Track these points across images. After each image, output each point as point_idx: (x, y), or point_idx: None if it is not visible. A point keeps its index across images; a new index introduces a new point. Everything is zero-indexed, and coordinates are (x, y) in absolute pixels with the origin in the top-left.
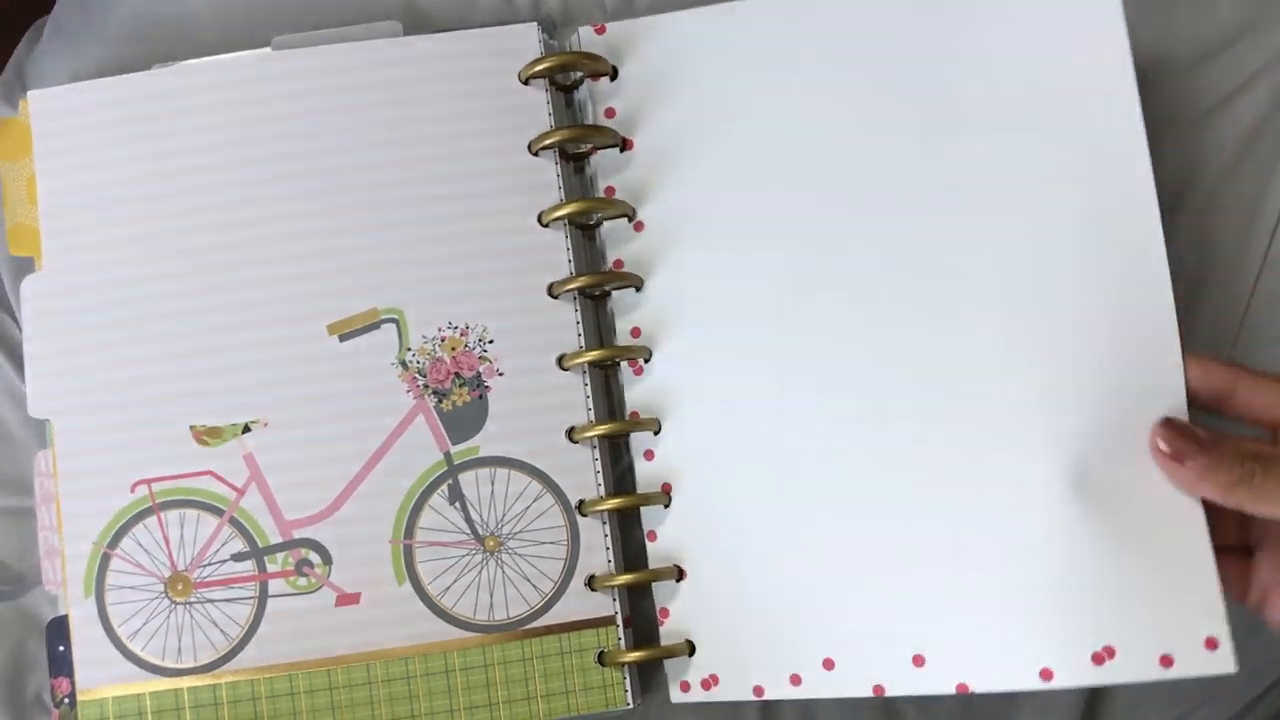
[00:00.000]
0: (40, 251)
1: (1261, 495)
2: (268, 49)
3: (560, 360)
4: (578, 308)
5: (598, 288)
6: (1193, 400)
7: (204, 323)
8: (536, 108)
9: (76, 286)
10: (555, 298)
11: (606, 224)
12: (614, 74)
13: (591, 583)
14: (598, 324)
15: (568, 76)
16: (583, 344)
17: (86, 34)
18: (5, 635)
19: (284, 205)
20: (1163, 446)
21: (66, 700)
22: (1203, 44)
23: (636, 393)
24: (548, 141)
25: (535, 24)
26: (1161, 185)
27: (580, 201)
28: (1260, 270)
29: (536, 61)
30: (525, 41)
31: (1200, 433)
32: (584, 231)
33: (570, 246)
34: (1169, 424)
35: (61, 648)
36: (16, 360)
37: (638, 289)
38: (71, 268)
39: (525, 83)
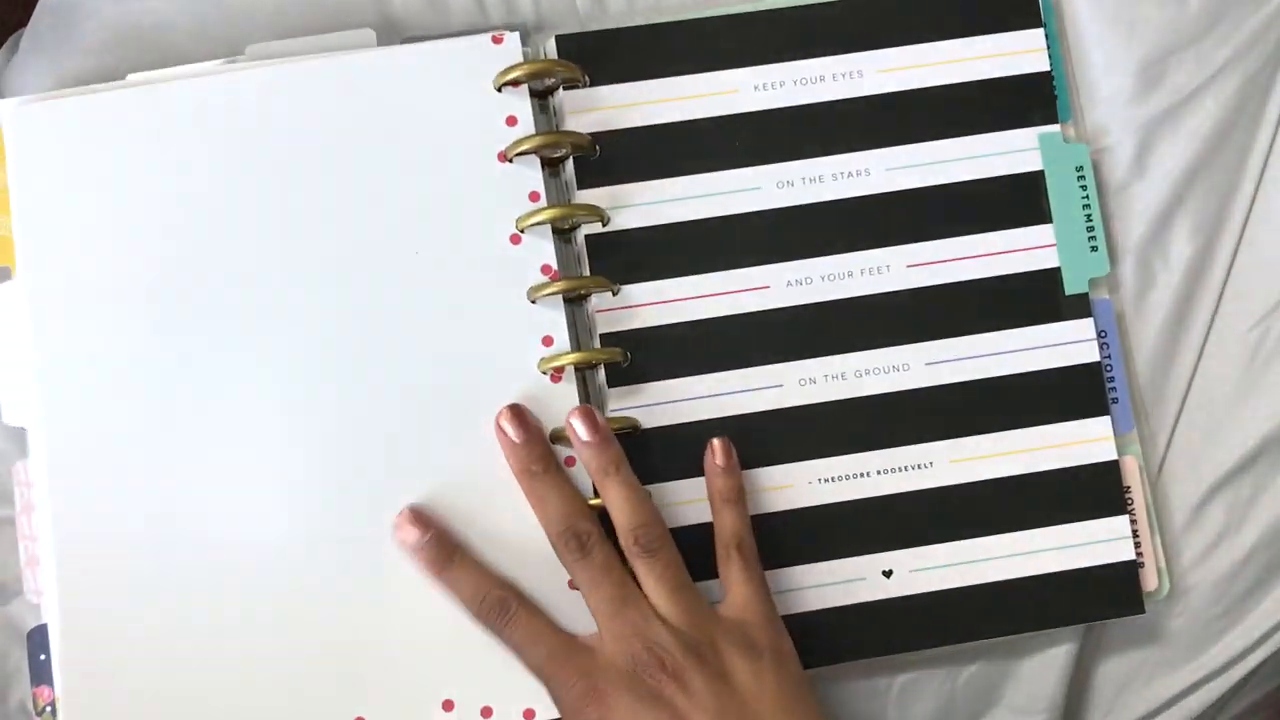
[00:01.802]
0: (14, 260)
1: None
2: (242, 56)
3: None
4: None
5: None
6: None
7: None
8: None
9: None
10: None
11: None
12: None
13: None
14: None
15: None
16: None
17: (63, 44)
18: None
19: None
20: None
21: (49, 708)
22: (1175, 36)
23: None
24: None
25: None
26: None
27: None
28: (1232, 261)
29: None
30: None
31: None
32: None
33: None
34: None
35: (43, 656)
36: None
37: None
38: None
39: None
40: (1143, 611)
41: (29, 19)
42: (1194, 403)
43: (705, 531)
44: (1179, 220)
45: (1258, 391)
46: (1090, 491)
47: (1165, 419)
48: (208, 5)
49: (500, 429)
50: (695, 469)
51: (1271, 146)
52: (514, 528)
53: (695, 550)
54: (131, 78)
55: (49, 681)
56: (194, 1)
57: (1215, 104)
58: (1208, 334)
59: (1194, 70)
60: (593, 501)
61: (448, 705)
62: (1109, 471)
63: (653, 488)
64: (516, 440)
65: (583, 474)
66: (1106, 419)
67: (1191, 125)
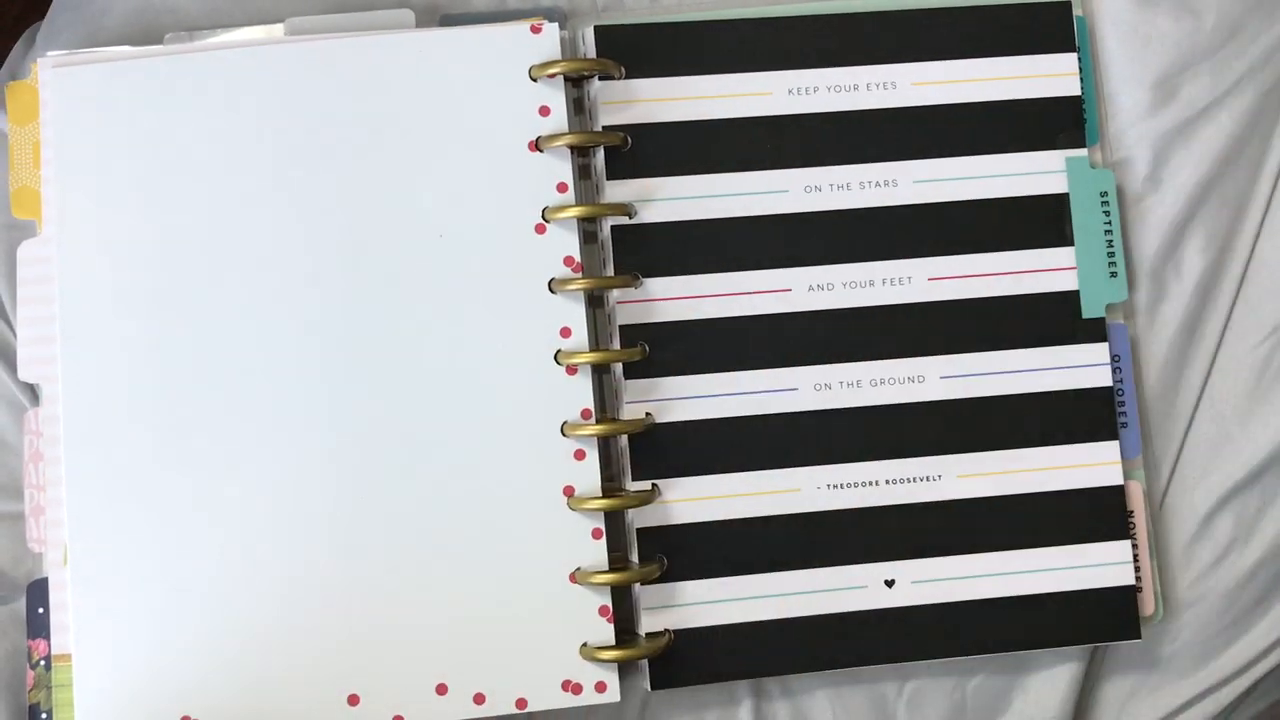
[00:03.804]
0: (41, 217)
1: None
2: (279, 28)
3: None
4: None
5: None
6: None
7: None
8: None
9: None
10: None
11: None
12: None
13: None
14: None
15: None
16: None
17: (82, 36)
18: (2, 639)
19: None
20: None
21: (43, 662)
22: (1190, 50)
23: None
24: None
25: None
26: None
27: None
28: (1244, 273)
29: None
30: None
31: None
32: None
33: None
34: None
35: (41, 610)
36: (10, 365)
37: None
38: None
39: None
40: (1139, 637)
41: (48, 10)
42: (1204, 414)
43: (712, 530)
44: (1191, 233)
45: (1268, 404)
46: (1094, 515)
47: (1175, 430)
48: (230, 1)
49: None
50: (706, 466)
51: None
52: (522, 495)
53: (701, 549)
54: (169, 38)
55: (46, 635)
56: None
57: (1229, 118)
58: (1218, 347)
59: (1209, 85)
60: (599, 503)
61: (441, 689)
62: (1114, 496)
63: (663, 483)
64: None
65: (585, 471)
66: (1115, 444)
67: (1205, 139)
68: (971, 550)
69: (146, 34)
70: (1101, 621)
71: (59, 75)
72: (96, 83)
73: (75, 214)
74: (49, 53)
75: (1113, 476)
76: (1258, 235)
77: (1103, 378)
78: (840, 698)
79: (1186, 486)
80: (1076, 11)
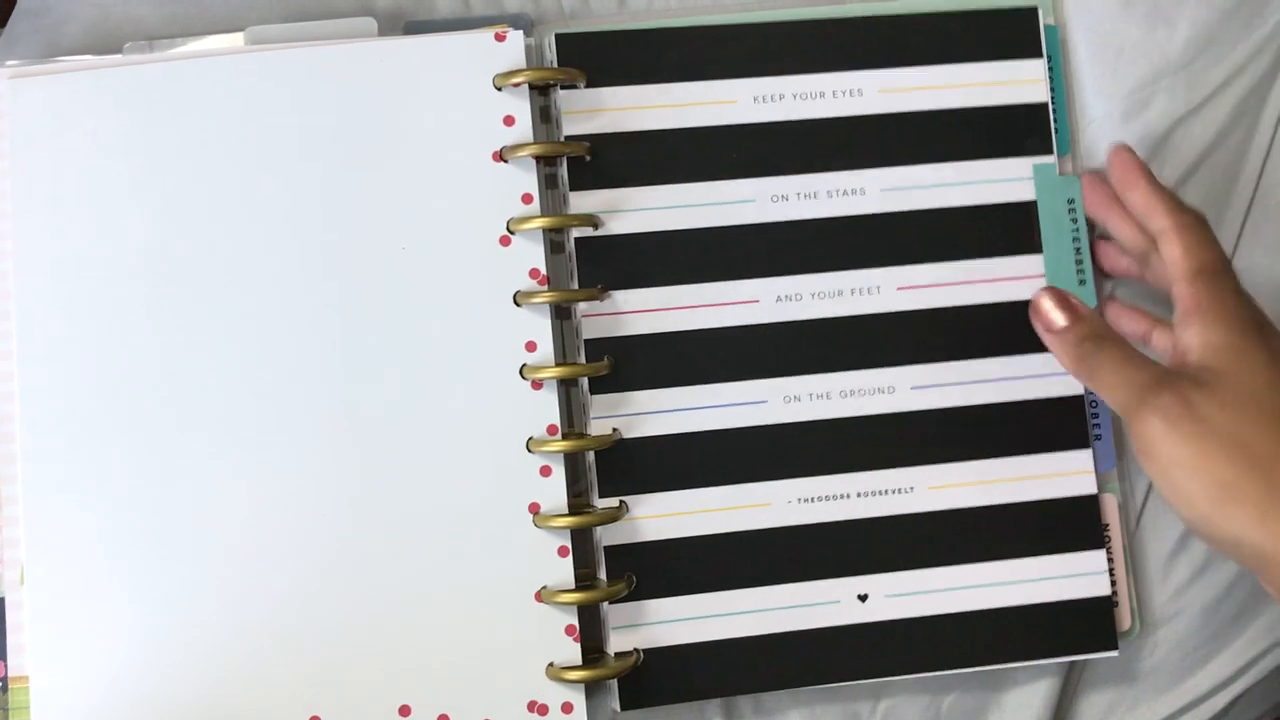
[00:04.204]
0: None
1: (1088, 372)
2: (240, 37)
3: None
4: None
5: None
6: None
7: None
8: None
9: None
10: None
11: None
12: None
13: None
14: None
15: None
16: None
17: (41, 45)
18: None
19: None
20: (1044, 313)
21: (0, 682)
22: (1163, 61)
23: None
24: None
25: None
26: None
27: None
28: None
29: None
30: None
31: (1074, 305)
32: None
33: None
34: (1048, 297)
35: None
36: None
37: None
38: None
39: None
40: (1115, 649)
41: (6, 22)
42: None
43: (681, 547)
44: None
45: None
46: (1068, 525)
47: None
48: (191, 9)
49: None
50: (675, 481)
51: (1261, 171)
52: (487, 512)
53: (670, 566)
54: (128, 47)
55: (2, 656)
56: (176, 5)
57: (1203, 129)
58: None
59: (1182, 95)
60: (565, 520)
61: (404, 710)
62: (1088, 505)
63: (631, 499)
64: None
65: (551, 488)
66: (1088, 452)
67: (1179, 151)
68: (945, 563)
69: (107, 43)
70: (1077, 634)
71: (16, 86)
72: (55, 93)
73: (32, 225)
74: (7, 62)
75: (1086, 485)
76: (1235, 246)
77: (1074, 386)
78: (814, 715)
79: (1164, 505)
80: (1048, 20)
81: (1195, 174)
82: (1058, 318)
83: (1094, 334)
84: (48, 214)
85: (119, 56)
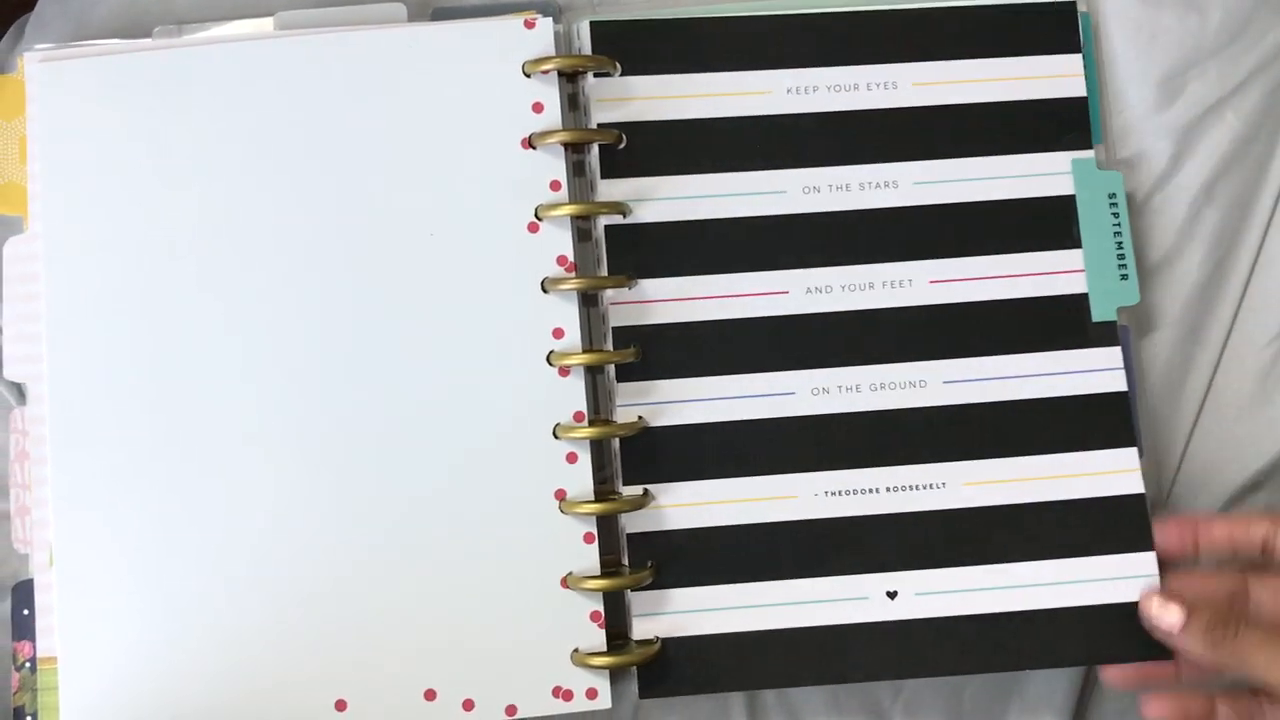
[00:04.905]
0: (28, 213)
1: (1238, 661)
2: (269, 21)
3: None
4: None
5: None
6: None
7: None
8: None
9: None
10: None
11: None
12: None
13: None
14: None
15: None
16: None
17: (70, 29)
18: None
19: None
20: (1155, 619)
21: (28, 664)
22: (1196, 48)
23: None
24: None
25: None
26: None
27: None
28: (1251, 272)
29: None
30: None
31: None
32: None
33: None
34: (1154, 599)
35: (25, 611)
36: None
37: None
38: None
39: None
40: (1170, 658)
41: (35, 4)
42: (1208, 418)
43: (706, 537)
44: (1196, 233)
45: (1273, 408)
46: (1112, 525)
47: (1179, 434)
48: None
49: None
50: (700, 471)
51: None
52: (513, 497)
53: (694, 556)
54: (157, 31)
55: (31, 637)
56: None
57: (1235, 116)
58: (1223, 349)
59: (1215, 82)
60: (591, 507)
61: (429, 695)
62: (1134, 504)
63: (656, 488)
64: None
65: (577, 475)
66: (1133, 450)
67: (1212, 138)
68: (979, 561)
69: (135, 27)
70: (1124, 639)
71: (46, 69)
72: (84, 77)
73: (62, 210)
74: (36, 46)
75: (1131, 484)
76: (1264, 236)
77: (1116, 382)
78: (835, 698)
79: (1190, 492)
80: (1081, 9)
81: (1227, 162)
82: (1172, 617)
83: (1220, 619)
84: (76, 199)
85: (148, 41)
